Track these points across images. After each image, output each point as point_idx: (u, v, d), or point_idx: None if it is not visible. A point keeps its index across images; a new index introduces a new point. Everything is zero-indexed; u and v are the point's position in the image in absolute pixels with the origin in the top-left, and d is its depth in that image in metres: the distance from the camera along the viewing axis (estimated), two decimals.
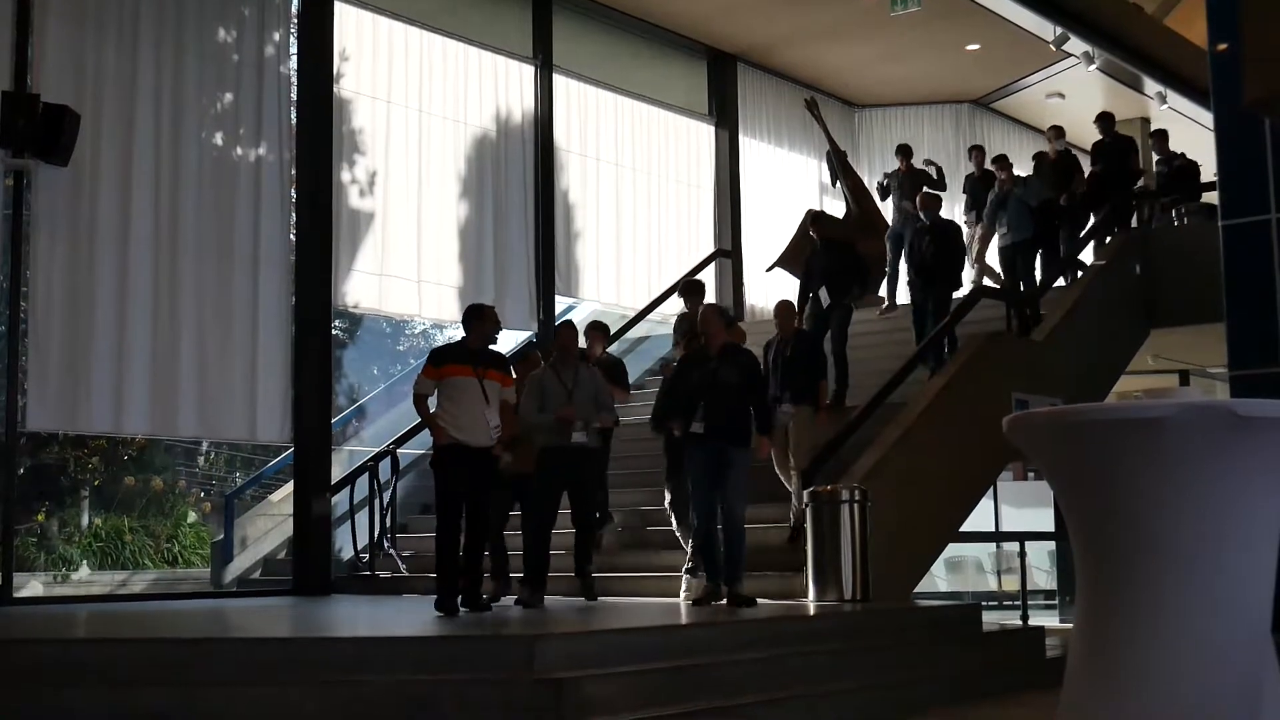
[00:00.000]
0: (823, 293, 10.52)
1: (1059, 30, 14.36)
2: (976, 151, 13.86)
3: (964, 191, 13.70)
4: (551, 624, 6.38)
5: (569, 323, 8.76)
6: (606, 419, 8.50)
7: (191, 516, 17.26)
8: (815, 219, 11.25)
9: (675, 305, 13.43)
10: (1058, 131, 13.46)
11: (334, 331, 11.92)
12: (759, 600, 7.57)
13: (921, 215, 11.39)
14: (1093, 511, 3.36)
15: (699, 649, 6.17)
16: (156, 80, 9.57)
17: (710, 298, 14.02)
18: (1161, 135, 14.63)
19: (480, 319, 7.58)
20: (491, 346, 7.77)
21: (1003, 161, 12.62)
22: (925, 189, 12.14)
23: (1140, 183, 13.92)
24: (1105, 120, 13.43)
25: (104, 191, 9.17)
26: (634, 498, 9.69)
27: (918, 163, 13.49)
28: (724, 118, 14.68)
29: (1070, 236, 12.77)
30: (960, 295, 11.30)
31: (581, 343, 9.12)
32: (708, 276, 14.16)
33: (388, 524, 10.25)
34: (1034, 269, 12.14)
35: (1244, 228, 8.34)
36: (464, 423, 7.33)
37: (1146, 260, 12.98)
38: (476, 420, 7.35)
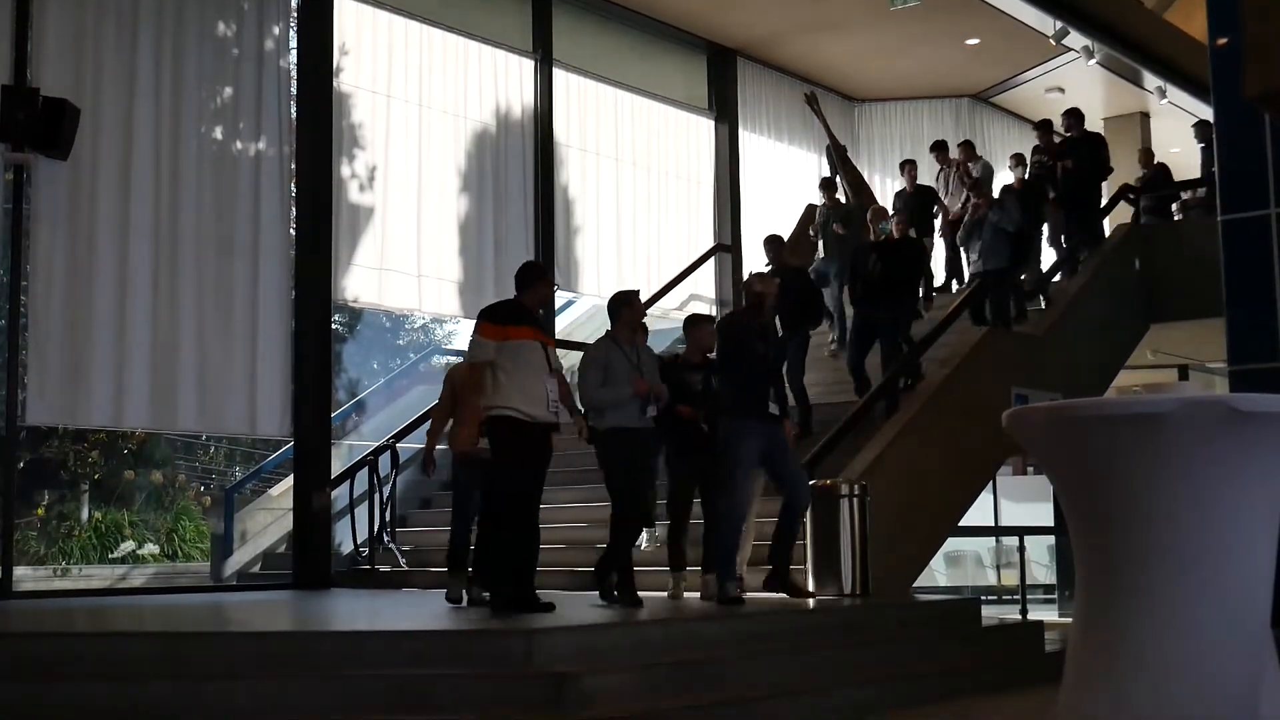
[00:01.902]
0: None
1: (1059, 24, 14.35)
2: (909, 166, 13.37)
3: (895, 210, 12.41)
4: (551, 618, 6.37)
5: (637, 292, 7.89)
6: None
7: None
8: (774, 242, 10.86)
9: (674, 300, 13.49)
10: (1018, 159, 13.06)
11: (334, 326, 11.91)
12: (751, 595, 7.58)
13: (873, 230, 10.77)
14: (1092, 506, 3.37)
15: (699, 643, 6.18)
16: (156, 74, 9.56)
17: (710, 294, 14.10)
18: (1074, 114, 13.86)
19: (541, 279, 6.85)
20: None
21: (980, 188, 11.89)
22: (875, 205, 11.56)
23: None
24: (1074, 115, 13.19)
25: (104, 185, 9.16)
26: None
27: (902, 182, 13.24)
28: (724, 112, 14.67)
29: (1034, 266, 12.38)
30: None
31: None
32: (707, 271, 14.22)
33: (387, 518, 10.26)
34: (1009, 300, 11.32)
35: (1243, 223, 8.33)
36: (532, 393, 6.50)
37: (1146, 255, 12.98)
38: (542, 392, 6.53)
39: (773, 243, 10.89)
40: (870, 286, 10.10)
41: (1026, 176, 12.91)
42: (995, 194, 11.96)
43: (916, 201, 12.95)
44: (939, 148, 13.73)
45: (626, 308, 7.40)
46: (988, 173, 13.04)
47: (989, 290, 11.15)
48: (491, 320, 6.60)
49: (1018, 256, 11.38)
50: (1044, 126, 13.62)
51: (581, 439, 7.13)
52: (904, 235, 10.69)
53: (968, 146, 13.62)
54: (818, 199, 13.31)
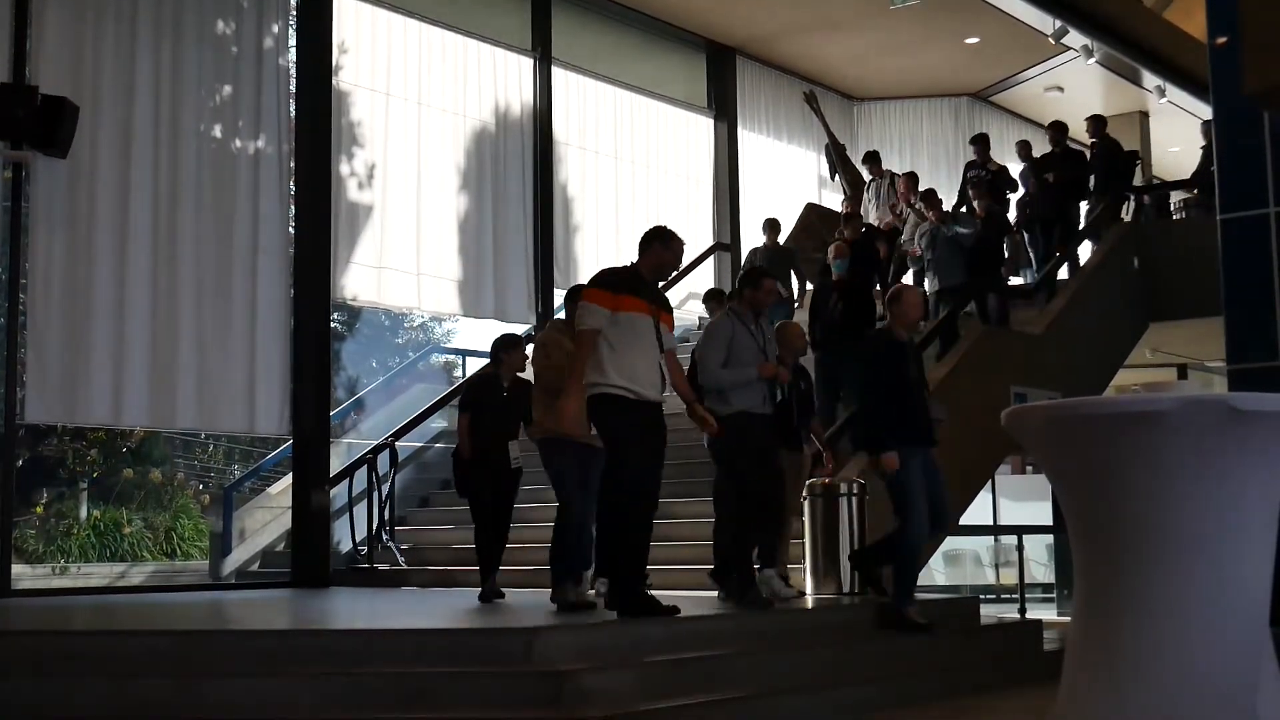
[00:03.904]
0: None
1: (1058, 23, 14.36)
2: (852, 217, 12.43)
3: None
4: (551, 615, 6.37)
5: (766, 270, 7.31)
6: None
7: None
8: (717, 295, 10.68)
9: (673, 299, 13.47)
10: (979, 191, 12.18)
11: (333, 324, 11.92)
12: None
13: (833, 265, 10.01)
14: (1091, 505, 3.37)
15: (700, 642, 6.17)
16: (155, 72, 9.56)
17: None
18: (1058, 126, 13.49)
19: (664, 244, 6.19)
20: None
21: (931, 197, 11.44)
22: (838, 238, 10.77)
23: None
24: (1058, 129, 13.01)
25: (102, 183, 9.16)
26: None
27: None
28: (723, 111, 14.68)
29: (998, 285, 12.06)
30: None
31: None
32: (706, 270, 14.21)
33: (386, 517, 10.26)
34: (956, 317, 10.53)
35: (1242, 221, 8.32)
36: (641, 373, 5.92)
37: (1145, 254, 12.98)
38: (654, 372, 5.97)
39: (716, 297, 10.70)
40: (831, 329, 9.63)
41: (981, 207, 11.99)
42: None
43: (862, 243, 12.39)
44: (871, 159, 13.37)
45: (751, 288, 7.01)
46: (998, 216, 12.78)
47: (951, 312, 10.49)
48: (604, 287, 6.00)
49: (976, 273, 10.79)
50: (980, 140, 13.19)
51: (707, 429, 6.27)
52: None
53: (911, 178, 12.59)
54: (816, 197, 13.30)
